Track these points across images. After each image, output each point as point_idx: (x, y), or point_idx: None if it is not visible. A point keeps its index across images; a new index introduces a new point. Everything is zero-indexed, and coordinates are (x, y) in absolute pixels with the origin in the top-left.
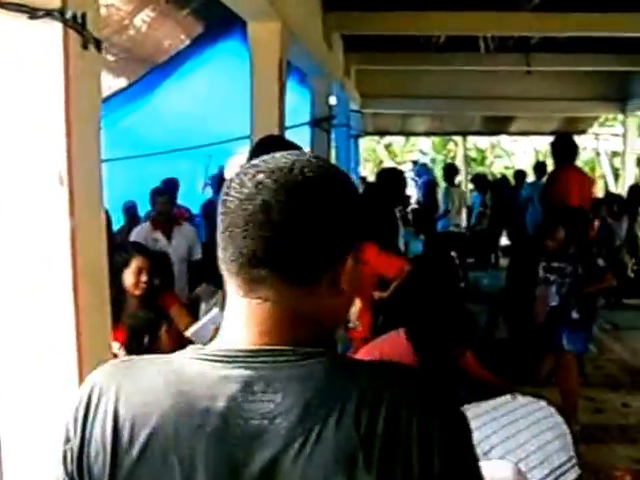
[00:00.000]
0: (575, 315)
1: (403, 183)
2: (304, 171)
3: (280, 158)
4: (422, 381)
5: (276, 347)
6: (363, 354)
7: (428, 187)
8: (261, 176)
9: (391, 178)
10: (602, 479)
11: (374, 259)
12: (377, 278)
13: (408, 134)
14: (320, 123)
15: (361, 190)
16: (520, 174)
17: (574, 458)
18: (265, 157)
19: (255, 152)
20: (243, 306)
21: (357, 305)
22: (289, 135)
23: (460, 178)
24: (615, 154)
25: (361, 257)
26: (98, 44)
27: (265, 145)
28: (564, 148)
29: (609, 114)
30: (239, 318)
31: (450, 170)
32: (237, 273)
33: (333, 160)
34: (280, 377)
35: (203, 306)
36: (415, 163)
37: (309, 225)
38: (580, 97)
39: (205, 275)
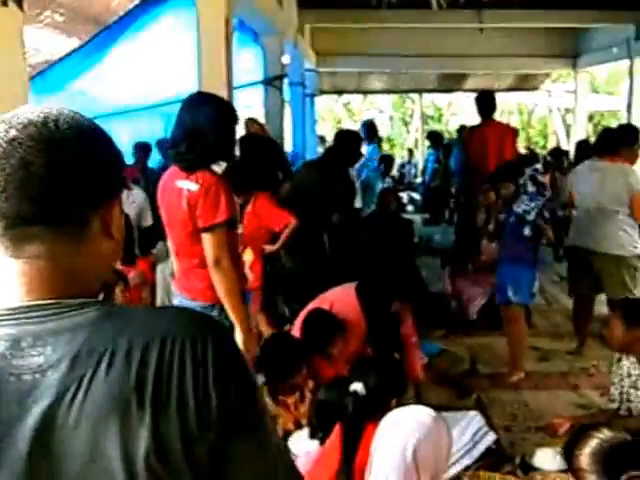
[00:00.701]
0: (509, 270)
1: (359, 144)
2: (58, 123)
3: (30, 112)
4: (195, 317)
5: (44, 302)
6: (314, 304)
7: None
8: (14, 132)
9: (347, 140)
10: (545, 426)
11: (263, 211)
12: (267, 230)
13: (365, 92)
14: (272, 82)
15: (321, 150)
16: (463, 129)
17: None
18: (14, 112)
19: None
20: (12, 266)
21: (250, 256)
22: (243, 94)
23: (417, 135)
24: (568, 111)
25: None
26: (19, 0)
27: (191, 103)
28: (483, 104)
29: (560, 70)
30: (9, 278)
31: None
32: (3, 235)
33: (288, 119)
34: (49, 330)
35: (160, 266)
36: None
37: (70, 176)
38: (532, 54)
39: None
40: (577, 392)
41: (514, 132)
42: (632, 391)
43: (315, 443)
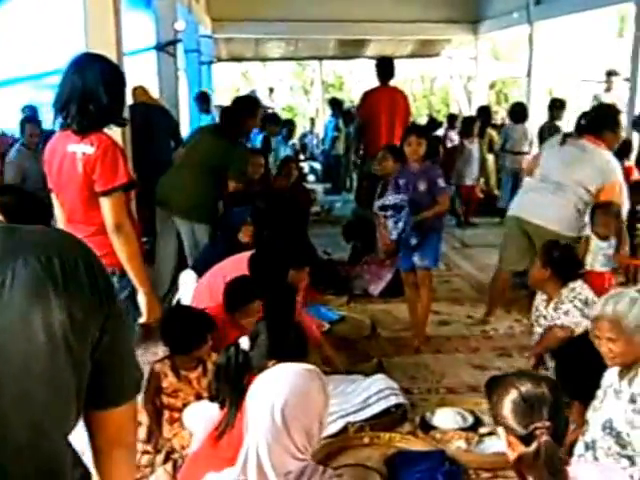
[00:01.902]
0: (414, 241)
1: (256, 109)
2: None
3: None
4: (70, 238)
5: None
6: (211, 274)
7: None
8: None
9: (244, 105)
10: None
11: None
12: None
13: (263, 60)
14: (165, 48)
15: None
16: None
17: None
18: None
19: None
20: None
21: None
22: (135, 60)
23: (318, 104)
24: (470, 78)
25: None
26: None
27: (79, 63)
28: (382, 69)
29: (462, 37)
30: None
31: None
32: None
33: (184, 86)
34: None
35: None
36: (272, 90)
37: None
38: (433, 19)
39: None
40: (476, 354)
41: (405, 97)
42: (535, 324)
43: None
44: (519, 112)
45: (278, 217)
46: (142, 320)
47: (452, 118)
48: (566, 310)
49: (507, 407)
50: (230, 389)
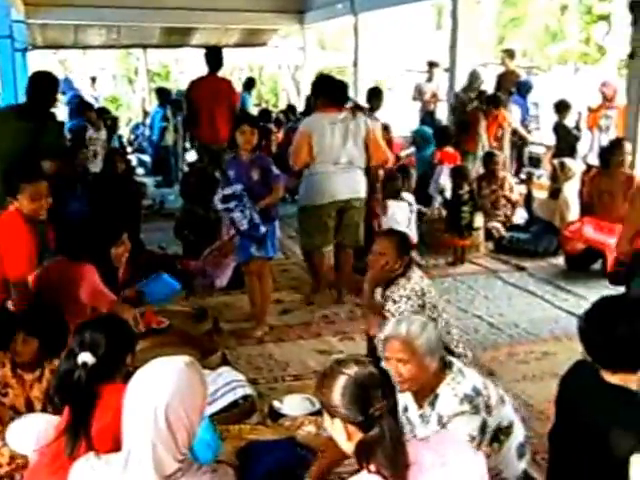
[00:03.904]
0: (263, 229)
1: (55, 88)
2: None
3: None
4: None
5: None
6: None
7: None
8: None
9: (44, 80)
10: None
11: None
12: None
13: (84, 47)
14: None
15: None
16: None
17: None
18: None
19: None
20: None
21: None
22: None
23: (144, 94)
24: (298, 68)
25: None
26: None
27: None
28: (211, 58)
29: (288, 26)
30: None
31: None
32: None
33: None
34: None
35: None
36: (94, 80)
37: None
38: (259, 9)
39: None
40: (319, 339)
41: (232, 87)
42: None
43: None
44: None
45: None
46: None
47: (291, 109)
48: (395, 298)
49: (340, 395)
50: (75, 401)
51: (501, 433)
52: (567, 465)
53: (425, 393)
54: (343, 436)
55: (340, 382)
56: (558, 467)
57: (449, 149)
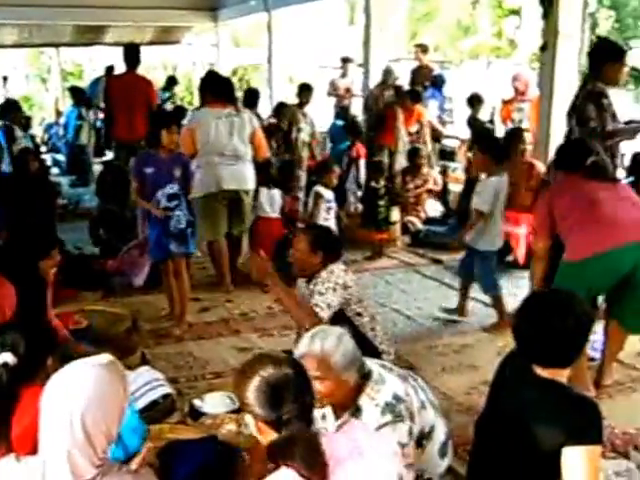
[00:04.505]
0: (190, 229)
1: None
2: None
3: None
4: None
5: None
6: None
7: None
8: None
9: None
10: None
11: None
12: None
13: None
14: None
15: None
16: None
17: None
18: None
19: None
20: None
21: None
22: None
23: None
24: (212, 65)
25: None
26: None
27: None
28: (129, 56)
29: (201, 24)
30: None
31: None
32: None
33: None
34: None
35: None
36: (5, 79)
37: None
38: (172, 6)
39: None
40: (239, 336)
41: (150, 84)
42: None
43: None
44: (250, 97)
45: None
46: None
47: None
48: (321, 291)
49: (253, 394)
50: None
51: (424, 438)
52: (490, 456)
53: (346, 404)
54: (255, 430)
55: (254, 383)
56: (480, 457)
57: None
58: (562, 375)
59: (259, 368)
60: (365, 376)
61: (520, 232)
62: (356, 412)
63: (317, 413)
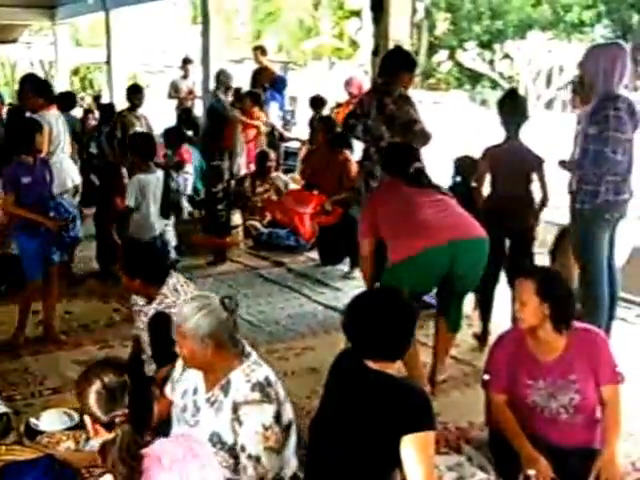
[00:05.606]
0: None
1: None
2: None
3: None
4: None
5: None
6: None
7: None
8: None
9: None
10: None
11: None
12: None
13: None
14: None
15: None
16: None
17: None
18: None
19: None
20: None
21: None
22: None
23: None
24: (52, 64)
25: None
26: None
27: None
28: None
29: (39, 22)
30: None
31: None
32: None
33: None
34: None
35: None
36: None
37: None
38: (9, 3)
39: None
40: (79, 349)
41: None
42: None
43: None
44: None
45: None
46: None
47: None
48: (168, 305)
49: (92, 397)
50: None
51: (289, 429)
52: (326, 454)
53: (216, 377)
54: (92, 432)
55: (95, 386)
56: (317, 457)
57: (186, 148)
58: (392, 368)
59: (101, 372)
60: (244, 355)
61: (306, 211)
62: (227, 386)
63: (190, 385)
